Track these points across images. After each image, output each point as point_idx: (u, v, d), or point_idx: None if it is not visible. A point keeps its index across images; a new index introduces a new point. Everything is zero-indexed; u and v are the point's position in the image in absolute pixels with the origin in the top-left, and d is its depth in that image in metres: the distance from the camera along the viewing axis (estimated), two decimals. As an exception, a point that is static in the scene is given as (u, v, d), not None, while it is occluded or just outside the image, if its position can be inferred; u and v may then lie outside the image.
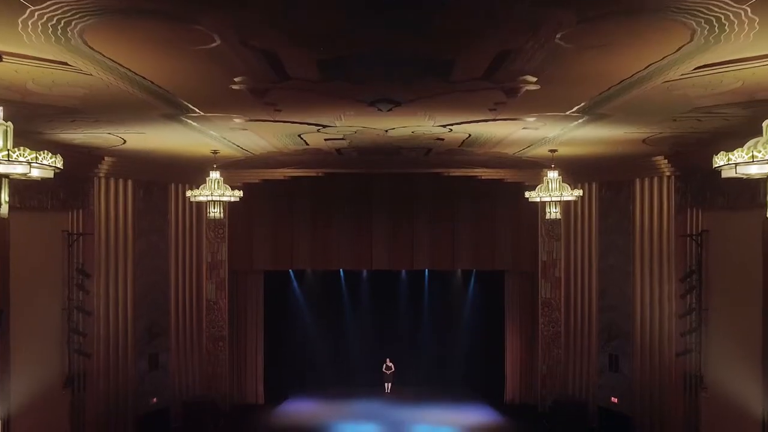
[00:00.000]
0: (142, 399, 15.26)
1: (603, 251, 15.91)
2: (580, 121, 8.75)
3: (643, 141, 10.85)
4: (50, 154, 4.99)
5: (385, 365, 18.58)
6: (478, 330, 19.07)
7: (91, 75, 5.86)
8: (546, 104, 7.63)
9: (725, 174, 5.08)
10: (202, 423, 15.82)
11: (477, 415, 17.30)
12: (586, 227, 16.36)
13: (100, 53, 5.03)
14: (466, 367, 19.13)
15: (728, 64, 5.45)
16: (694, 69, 5.69)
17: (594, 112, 8.03)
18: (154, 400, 15.68)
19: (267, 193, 17.56)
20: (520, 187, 16.26)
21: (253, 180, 16.36)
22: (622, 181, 15.13)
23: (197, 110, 8.06)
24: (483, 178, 16.42)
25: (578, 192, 11.99)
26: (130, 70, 5.71)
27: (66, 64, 5.49)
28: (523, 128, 9.61)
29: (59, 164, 4.97)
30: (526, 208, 16.93)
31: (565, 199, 11.89)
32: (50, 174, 5.02)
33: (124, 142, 11.08)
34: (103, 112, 8.07)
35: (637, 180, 14.67)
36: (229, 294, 17.29)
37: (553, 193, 11.74)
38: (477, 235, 17.75)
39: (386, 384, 18.48)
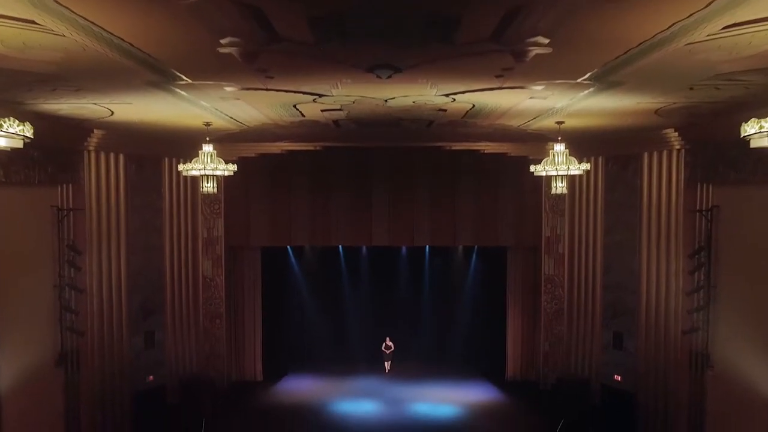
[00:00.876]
0: (138, 377, 15.02)
1: (608, 227, 15.51)
2: (591, 90, 8.25)
3: (655, 112, 10.35)
4: (17, 121, 4.52)
5: (384, 344, 18.28)
6: (480, 307, 18.78)
7: (63, 36, 5.37)
8: (556, 70, 7.14)
9: (755, 143, 4.63)
10: (200, 400, 15.61)
11: (478, 392, 17.11)
12: (591, 202, 15.93)
13: (68, 8, 4.54)
14: (467, 344, 18.89)
15: (761, 22, 4.96)
16: (722, 29, 5.19)
17: (607, 80, 7.54)
18: (151, 377, 15.45)
19: (264, 168, 17.13)
20: (524, 162, 15.83)
21: (249, 154, 15.88)
22: (630, 155, 14.66)
23: (184, 77, 7.57)
24: (486, 152, 15.94)
25: (585, 166, 11.53)
26: (104, 30, 5.22)
27: (34, 23, 5.01)
28: (530, 98, 9.12)
29: (28, 133, 4.51)
30: (530, 183, 16.62)
31: (572, 173, 11.44)
32: (19, 144, 4.56)
33: (112, 113, 10.58)
34: (83, 79, 7.58)
35: (645, 154, 14.19)
36: (226, 271, 16.96)
37: (559, 166, 11.29)
38: (479, 211, 17.36)
39: (386, 363, 18.21)
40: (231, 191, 16.78)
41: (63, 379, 12.92)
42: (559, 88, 8.26)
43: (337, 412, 15.74)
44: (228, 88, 8.34)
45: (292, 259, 19.00)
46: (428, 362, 18.75)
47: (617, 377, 15.30)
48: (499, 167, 17.03)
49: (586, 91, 8.43)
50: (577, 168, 11.34)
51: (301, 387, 17.54)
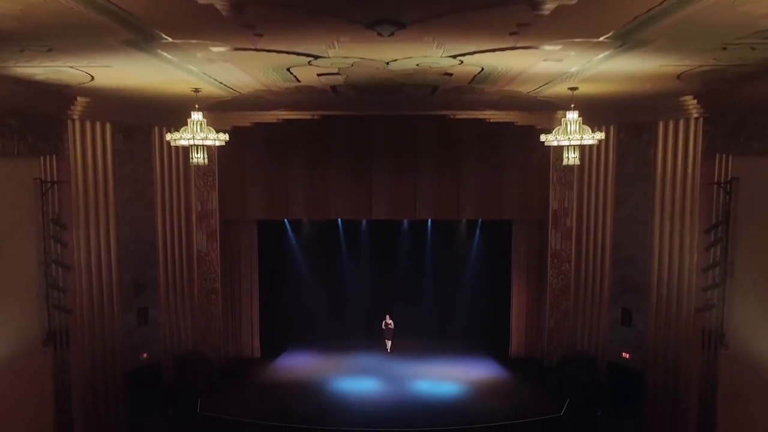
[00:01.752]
0: (131, 354, 14.57)
1: (619, 200, 14.87)
2: (612, 50, 7.52)
3: (678, 77, 9.60)
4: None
5: (384, 323, 17.68)
6: (483, 282, 18.24)
7: (16, -18, 4.65)
8: (578, 26, 6.40)
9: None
10: (195, 378, 15.23)
11: (480, 369, 16.69)
12: (601, 174, 15.25)
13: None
14: (470, 320, 18.41)
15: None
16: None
17: (633, 38, 6.80)
18: (144, 355, 15.01)
19: (259, 139, 16.47)
20: (531, 132, 15.18)
21: (243, 123, 15.17)
22: (644, 124, 13.93)
23: (164, 36, 6.84)
24: (492, 121, 15.20)
25: (600, 135, 10.83)
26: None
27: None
28: (544, 60, 8.39)
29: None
30: (537, 154, 15.99)
31: (586, 142, 10.75)
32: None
33: (92, 78, 9.84)
34: (52, 38, 6.85)
35: (661, 122, 13.47)
36: (221, 245, 16.40)
37: (572, 136, 10.60)
38: (483, 183, 16.73)
39: (386, 342, 17.65)
40: (225, 163, 16.13)
41: (52, 358, 12.44)
42: (577, 48, 7.52)
43: (337, 389, 15.32)
44: (215, 49, 7.60)
45: (290, 233, 18.40)
46: (430, 338, 18.31)
47: (625, 355, 14.84)
48: (505, 138, 16.37)
49: (606, 52, 7.70)
50: (591, 137, 10.65)
51: (299, 364, 17.12)
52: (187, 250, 15.97)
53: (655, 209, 13.72)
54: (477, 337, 18.18)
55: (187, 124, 10.97)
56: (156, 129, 14.78)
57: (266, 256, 17.69)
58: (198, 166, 15.07)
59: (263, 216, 17.06)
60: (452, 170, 16.68)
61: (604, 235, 15.30)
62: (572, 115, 10.78)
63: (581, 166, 15.23)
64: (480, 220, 17.97)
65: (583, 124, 10.84)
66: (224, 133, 11.28)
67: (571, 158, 10.99)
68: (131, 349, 14.56)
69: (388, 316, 17.63)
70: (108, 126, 13.52)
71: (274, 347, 17.71)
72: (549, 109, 14.41)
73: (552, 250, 16.20)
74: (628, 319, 14.77)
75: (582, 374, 15.10)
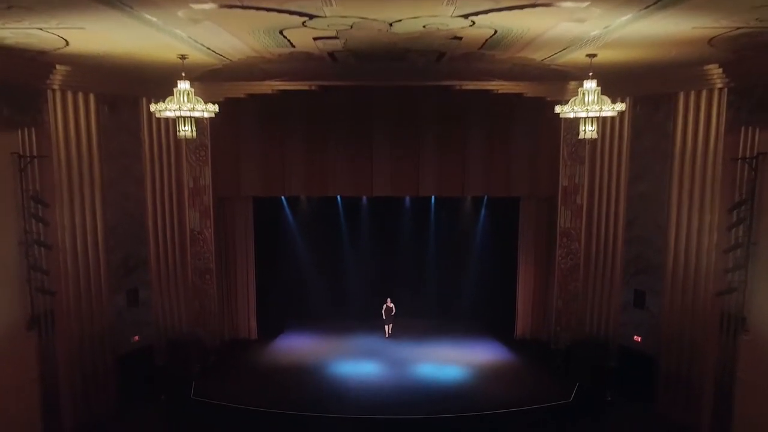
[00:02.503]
0: (122, 337, 13.97)
1: (634, 176, 14.10)
2: (644, 7, 6.68)
3: (709, 41, 8.76)
4: None
5: (385, 306, 16.91)
6: (489, 261, 17.54)
7: None
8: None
9: None
10: (189, 361, 14.67)
11: (485, 351, 16.12)
12: (615, 149, 14.43)
13: None
14: (475, 301, 17.74)
15: None
16: None
17: (672, -8, 5.97)
18: (136, 338, 14.43)
19: (254, 111, 15.70)
20: (542, 104, 14.46)
21: (237, 94, 14.35)
22: (663, 95, 13.07)
23: (137, -11, 6.00)
24: (500, 92, 14.33)
25: (620, 106, 9.99)
26: None
27: None
28: (565, 21, 7.54)
29: None
30: (547, 128, 15.32)
31: (605, 114, 9.93)
32: None
33: (67, 43, 9.00)
34: (9, -9, 6.01)
35: (681, 94, 12.62)
36: (215, 223, 15.68)
37: (590, 107, 9.77)
38: (490, 158, 16.00)
39: (386, 327, 16.91)
40: (218, 137, 15.34)
41: (36, 343, 11.83)
42: (604, 5, 6.68)
43: (336, 373, 14.75)
44: (196, 6, 6.76)
45: (287, 210, 17.65)
46: (433, 320, 17.69)
47: (637, 338, 14.24)
48: (514, 110, 15.61)
49: (636, 11, 6.86)
50: (611, 108, 9.83)
51: (297, 345, 16.54)
52: (180, 228, 15.24)
53: (673, 186, 12.95)
54: (481, 318, 17.55)
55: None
56: (144, 101, 13.91)
57: (262, 234, 16.98)
58: (189, 141, 14.23)
59: (259, 192, 16.31)
60: (457, 145, 15.91)
61: (616, 213, 14.56)
62: (590, 85, 9.95)
63: (593, 141, 14.43)
64: (486, 197, 17.21)
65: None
66: (214, 104, 10.45)
67: (588, 131, 10.17)
68: (122, 332, 13.95)
69: (389, 300, 16.92)
70: (91, 97, 12.67)
71: (271, 328, 17.13)
72: (561, 80, 13.63)
73: (561, 228, 15.47)
74: (641, 301, 14.12)
75: (591, 357, 14.51)
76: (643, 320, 14.09)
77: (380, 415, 12.45)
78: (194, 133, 10.25)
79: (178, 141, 14.55)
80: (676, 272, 13.02)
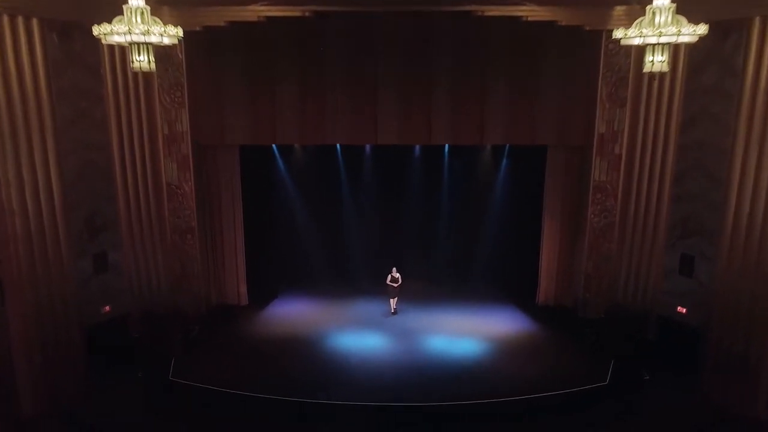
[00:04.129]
0: (90, 308, 12.23)
1: (688, 121, 11.99)
2: None
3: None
4: None
5: (390, 277, 14.69)
6: (509, 219, 15.56)
7: None
8: None
9: None
10: (170, 332, 12.95)
11: (503, 321, 14.40)
12: (665, 88, 12.16)
13: None
14: (492, 263, 15.84)
15: None
16: None
17: None
18: (107, 308, 12.67)
19: (239, 44, 13.52)
20: (578, 34, 12.28)
21: (216, 22, 12.04)
22: (733, 21, 10.78)
23: None
24: (529, 19, 11.98)
25: (702, 28, 7.74)
26: None
27: None
28: None
29: None
30: (582, 65, 13.22)
31: (683, 39, 7.69)
32: None
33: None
34: None
35: (757, 19, 10.33)
36: (196, 175, 13.58)
37: (664, 29, 7.52)
38: (514, 100, 13.91)
39: (391, 301, 14.80)
40: (197, 74, 13.16)
41: (-20, 318, 10.03)
42: None
43: (336, 347, 13.03)
44: None
45: (279, 161, 15.55)
46: (445, 285, 15.86)
47: (681, 309, 12.46)
48: (544, 44, 13.42)
49: None
50: (692, 32, 7.58)
51: (292, 314, 14.78)
52: (154, 181, 13.09)
53: (739, 133, 10.84)
54: (499, 282, 15.75)
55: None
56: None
57: (251, 188, 14.98)
58: (162, 79, 12.32)
59: (246, 140, 14.20)
60: (476, 84, 13.77)
61: (663, 165, 12.46)
62: (661, 1, 7.67)
63: (638, 78, 12.22)
64: (508, 145, 15.14)
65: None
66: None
67: (657, 62, 7.94)
68: (89, 302, 12.18)
69: (395, 269, 14.73)
70: (35, 23, 10.40)
71: (263, 294, 15.37)
72: (604, 5, 11.32)
73: (595, 182, 13.38)
74: (689, 268, 12.28)
75: (625, 329, 12.82)
76: (689, 289, 12.27)
77: (384, 402, 10.79)
78: (152, 65, 8.01)
79: (148, 79, 12.28)
80: (737, 235, 11.08)
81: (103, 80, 11.89)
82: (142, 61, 7.92)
